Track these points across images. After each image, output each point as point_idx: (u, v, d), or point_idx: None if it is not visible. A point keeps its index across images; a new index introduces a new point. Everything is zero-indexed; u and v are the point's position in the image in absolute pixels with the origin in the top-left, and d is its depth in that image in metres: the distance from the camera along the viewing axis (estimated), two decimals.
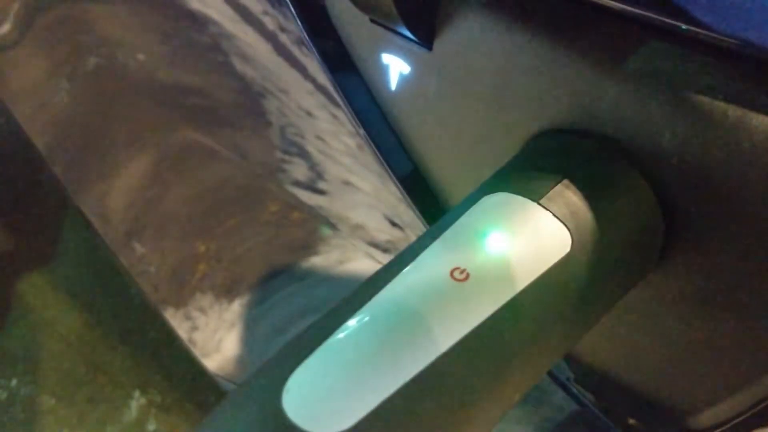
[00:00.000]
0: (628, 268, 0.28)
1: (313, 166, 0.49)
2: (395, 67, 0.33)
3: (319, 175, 0.50)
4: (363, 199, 0.47)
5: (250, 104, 0.52)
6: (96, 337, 1.09)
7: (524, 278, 0.25)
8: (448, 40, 0.31)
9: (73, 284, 1.12)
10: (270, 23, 0.46)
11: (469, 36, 0.31)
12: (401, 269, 0.25)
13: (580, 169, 0.28)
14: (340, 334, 0.23)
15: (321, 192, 0.51)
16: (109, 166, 0.79)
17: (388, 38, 0.33)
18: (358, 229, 0.50)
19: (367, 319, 0.23)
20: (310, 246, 0.58)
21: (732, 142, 0.26)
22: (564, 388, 0.35)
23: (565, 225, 0.26)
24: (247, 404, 0.22)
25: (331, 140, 0.46)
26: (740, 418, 0.30)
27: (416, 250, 0.26)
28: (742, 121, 0.25)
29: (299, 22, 0.37)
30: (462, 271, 0.24)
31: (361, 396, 0.21)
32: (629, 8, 0.27)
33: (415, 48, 0.32)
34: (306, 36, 0.37)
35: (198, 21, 0.54)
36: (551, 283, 0.25)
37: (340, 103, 0.37)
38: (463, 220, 0.26)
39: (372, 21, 0.33)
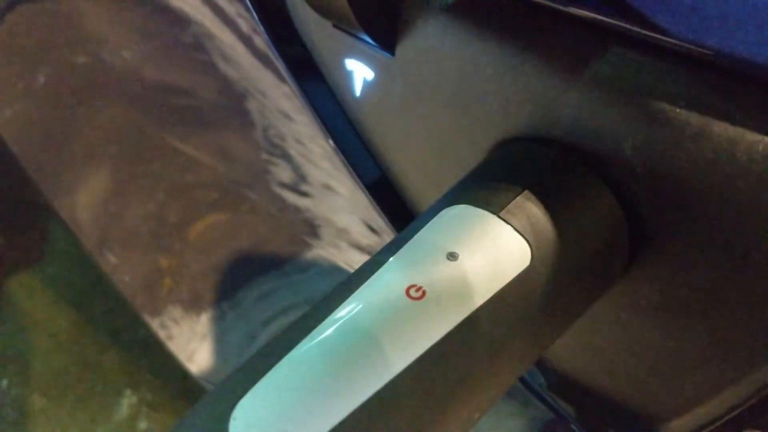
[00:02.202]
0: (593, 279, 0.28)
1: (295, 168, 0.49)
2: (359, 73, 0.33)
3: (303, 178, 0.49)
4: (343, 203, 0.47)
5: (233, 105, 0.52)
6: (86, 336, 1.09)
7: (482, 295, 0.24)
8: (410, 45, 0.31)
9: (62, 283, 1.12)
10: (244, 26, 0.45)
11: (430, 42, 0.30)
12: (357, 287, 0.24)
13: (542, 179, 0.27)
14: (291, 358, 0.22)
15: (305, 194, 0.51)
16: (71, 179, 0.80)
17: (351, 44, 0.32)
18: (342, 232, 0.50)
19: (318, 341, 0.23)
20: (288, 251, 0.58)
21: (694, 151, 0.25)
22: (537, 395, 0.35)
23: (525, 238, 0.25)
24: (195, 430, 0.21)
25: (309, 144, 0.46)
26: (714, 426, 0.30)
27: (373, 266, 0.25)
28: (705, 129, 0.25)
29: (263, 28, 0.36)
30: (418, 289, 0.24)
31: (310, 423, 0.21)
32: (590, 14, 0.26)
33: (378, 53, 0.32)
34: (270, 42, 0.36)
35: (180, 20, 0.54)
36: (510, 299, 0.25)
37: (307, 109, 0.37)
38: (422, 234, 0.26)
39: (335, 26, 0.32)
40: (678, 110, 0.25)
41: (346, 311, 0.23)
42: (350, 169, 0.36)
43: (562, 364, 0.33)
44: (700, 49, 0.25)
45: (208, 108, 0.57)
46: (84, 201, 0.80)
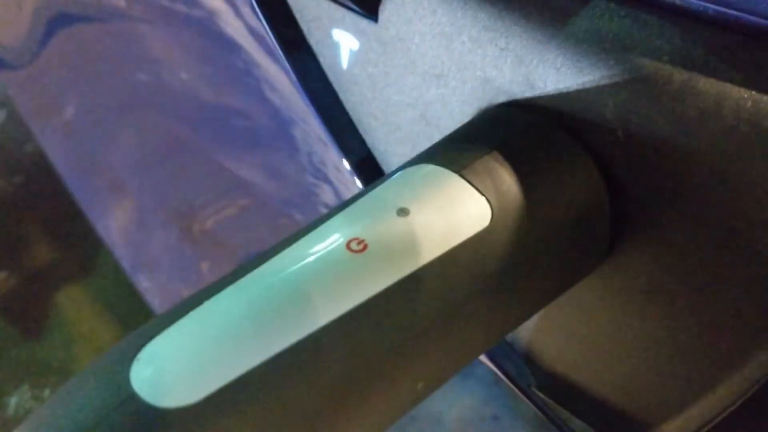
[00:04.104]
0: (568, 255, 0.25)
1: (336, 192, 0.49)
2: (346, 44, 0.31)
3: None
4: None
5: (281, 129, 0.52)
6: None
7: (430, 252, 0.22)
8: (393, 9, 0.29)
9: (109, 297, 1.13)
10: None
11: (412, 4, 0.29)
12: (296, 240, 0.23)
13: (513, 140, 0.25)
14: (209, 305, 0.21)
15: None
16: (100, 210, 0.82)
17: (337, 12, 0.31)
18: None
19: (241, 289, 0.21)
20: None
21: (677, 110, 0.23)
22: (526, 395, 0.32)
23: (487, 198, 0.23)
24: (97, 373, 0.20)
25: (344, 169, 0.46)
26: (707, 427, 0.27)
27: (320, 221, 0.23)
28: (688, 85, 0.22)
29: (255, 6, 0.35)
30: (360, 242, 0.22)
31: (217, 368, 0.19)
32: None
33: (362, 21, 0.30)
34: (263, 21, 0.36)
35: (232, 46, 0.55)
36: (464, 260, 0.23)
37: (300, 91, 0.36)
38: (376, 191, 0.24)
39: None
40: (660, 65, 0.23)
41: (279, 262, 0.22)
42: (337, 147, 0.34)
43: (549, 360, 0.31)
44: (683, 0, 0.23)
45: (261, 130, 0.58)
46: (116, 225, 0.82)
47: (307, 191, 0.53)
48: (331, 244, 0.22)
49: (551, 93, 0.26)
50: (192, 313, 0.21)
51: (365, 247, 0.22)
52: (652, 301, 0.26)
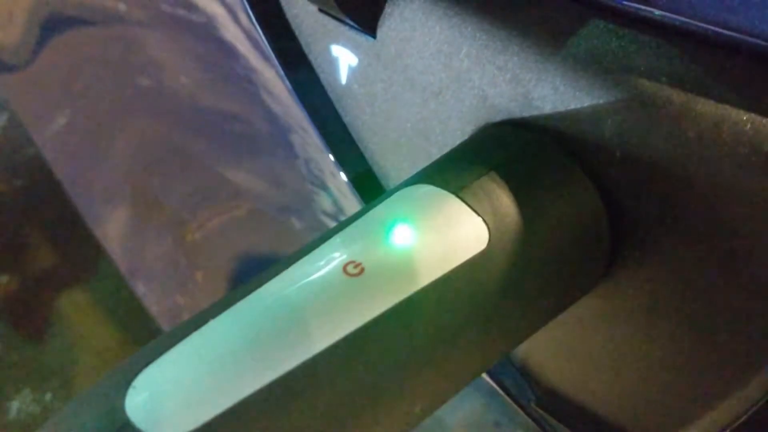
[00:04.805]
0: (566, 273, 0.25)
1: (334, 200, 0.49)
2: (344, 60, 0.31)
3: (341, 210, 0.50)
4: None
5: (279, 136, 0.53)
6: (130, 354, 1.09)
7: (426, 275, 0.22)
8: (391, 26, 0.29)
9: (111, 301, 1.13)
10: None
11: (411, 21, 0.29)
12: (293, 263, 0.23)
13: (511, 160, 0.25)
14: (205, 330, 0.21)
15: None
16: (97, 215, 0.82)
17: (336, 28, 0.31)
18: None
19: (237, 313, 0.21)
20: None
21: (676, 132, 0.23)
22: (525, 411, 0.32)
23: (484, 220, 0.23)
24: (92, 400, 0.20)
25: (342, 177, 0.46)
26: None
27: (315, 243, 0.23)
28: (687, 107, 0.22)
29: (253, 19, 0.35)
30: (357, 266, 0.22)
31: (213, 396, 0.19)
32: None
33: (360, 37, 0.30)
34: (261, 35, 0.35)
35: (232, 52, 0.56)
36: (461, 283, 0.22)
37: (299, 105, 0.36)
38: (372, 212, 0.24)
39: (320, 11, 0.31)
40: (658, 86, 0.23)
41: (274, 285, 0.22)
42: (337, 164, 0.34)
43: (549, 377, 0.31)
44: (683, 19, 0.22)
45: (260, 136, 0.58)
46: (113, 231, 0.82)
47: (305, 198, 0.53)
48: (328, 267, 0.22)
49: (549, 112, 0.26)
50: (188, 339, 0.20)
51: (362, 270, 0.22)
52: (652, 319, 0.26)
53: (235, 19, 0.55)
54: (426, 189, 0.24)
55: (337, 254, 0.22)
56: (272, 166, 0.58)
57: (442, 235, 0.23)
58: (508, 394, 0.33)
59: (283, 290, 0.21)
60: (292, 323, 0.20)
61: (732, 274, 0.23)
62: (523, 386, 0.32)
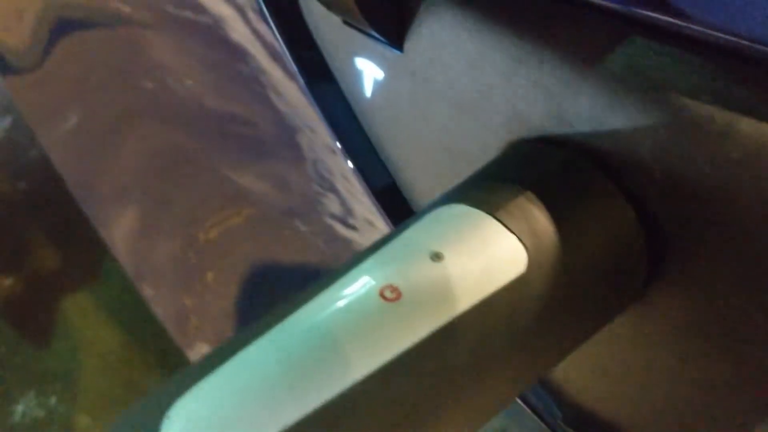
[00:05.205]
0: (603, 295, 0.25)
1: (343, 202, 0.49)
2: (369, 73, 0.31)
3: (349, 212, 0.49)
4: None
5: (287, 137, 0.52)
6: (134, 357, 1.09)
7: (466, 300, 0.21)
8: (418, 39, 0.29)
9: (115, 304, 1.12)
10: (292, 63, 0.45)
11: (439, 35, 0.28)
12: (328, 285, 0.22)
13: (548, 180, 0.24)
14: (240, 358, 0.20)
15: (352, 228, 0.50)
16: (104, 217, 0.82)
17: (361, 41, 0.31)
18: None
19: (273, 340, 0.20)
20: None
21: (719, 152, 0.22)
22: (551, 428, 0.32)
23: (522, 242, 0.23)
24: (126, 429, 0.19)
25: (353, 179, 0.45)
26: None
27: (350, 265, 0.23)
28: (731, 126, 0.22)
29: (275, 30, 0.35)
30: (394, 290, 0.21)
31: (249, 428, 0.19)
32: (606, 2, 0.24)
33: (386, 50, 0.30)
34: (283, 46, 0.35)
35: (239, 53, 0.55)
36: (500, 307, 0.22)
37: (321, 118, 0.35)
38: (408, 232, 0.23)
39: (344, 23, 0.31)
40: (701, 105, 0.22)
41: (309, 310, 0.21)
42: (360, 176, 0.34)
43: (578, 394, 0.30)
44: (727, 37, 0.22)
45: (266, 138, 0.58)
46: (120, 233, 0.82)
47: (313, 200, 0.53)
48: (364, 291, 0.21)
49: (584, 130, 0.25)
50: (222, 367, 0.20)
51: (399, 295, 0.21)
52: (687, 339, 0.26)
53: (245, 19, 0.54)
54: (461, 209, 0.24)
55: (372, 277, 0.22)
56: (279, 169, 0.58)
57: (480, 259, 0.22)
58: (536, 412, 0.32)
59: (318, 316, 0.21)
60: (330, 352, 0.20)
61: None
62: (550, 404, 0.32)
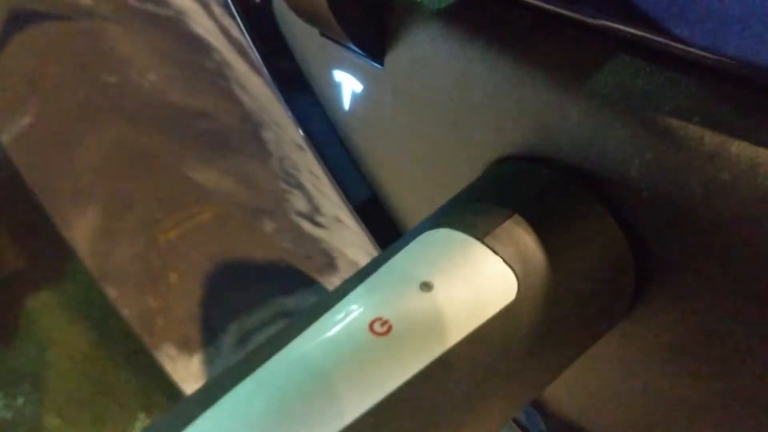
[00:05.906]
0: (591, 316, 0.24)
1: (310, 199, 0.48)
2: (348, 85, 0.30)
3: (317, 209, 0.49)
4: (352, 236, 0.46)
5: (251, 133, 0.52)
6: (102, 357, 1.08)
7: (458, 331, 0.21)
8: (399, 55, 0.28)
9: (82, 303, 1.11)
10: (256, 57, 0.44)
11: (421, 50, 0.27)
12: (315, 319, 0.21)
13: (535, 202, 0.24)
14: (228, 399, 0.19)
15: (320, 225, 0.50)
16: (66, 216, 0.82)
17: (339, 54, 0.30)
18: (353, 265, 0.49)
19: (262, 380, 0.20)
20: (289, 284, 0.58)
21: (709, 173, 0.22)
22: None
23: (512, 268, 0.22)
24: None
25: (321, 175, 0.44)
26: None
27: (337, 296, 0.22)
28: (721, 148, 0.22)
29: (248, 38, 0.34)
30: (384, 323, 0.21)
31: None
32: (593, 19, 0.23)
33: (366, 64, 0.29)
34: (257, 54, 0.34)
35: (203, 47, 0.54)
36: (492, 337, 0.22)
37: (300, 129, 0.34)
38: (394, 260, 0.23)
39: (322, 35, 0.30)
40: (690, 126, 0.22)
41: (298, 347, 0.21)
42: (339, 189, 0.33)
43: (563, 410, 0.30)
44: (717, 57, 0.22)
45: (230, 133, 0.57)
46: (82, 233, 0.81)
47: (279, 198, 0.53)
48: (354, 325, 0.21)
49: (571, 149, 0.25)
50: (212, 409, 0.19)
51: (389, 328, 0.21)
52: (672, 357, 0.26)
53: (209, 13, 0.53)
54: (449, 234, 0.23)
55: (361, 310, 0.21)
56: (243, 166, 0.58)
57: (470, 287, 0.22)
58: (519, 425, 0.32)
59: (307, 352, 0.20)
60: (321, 392, 0.19)
61: (757, 320, 0.23)
62: (534, 417, 0.32)
